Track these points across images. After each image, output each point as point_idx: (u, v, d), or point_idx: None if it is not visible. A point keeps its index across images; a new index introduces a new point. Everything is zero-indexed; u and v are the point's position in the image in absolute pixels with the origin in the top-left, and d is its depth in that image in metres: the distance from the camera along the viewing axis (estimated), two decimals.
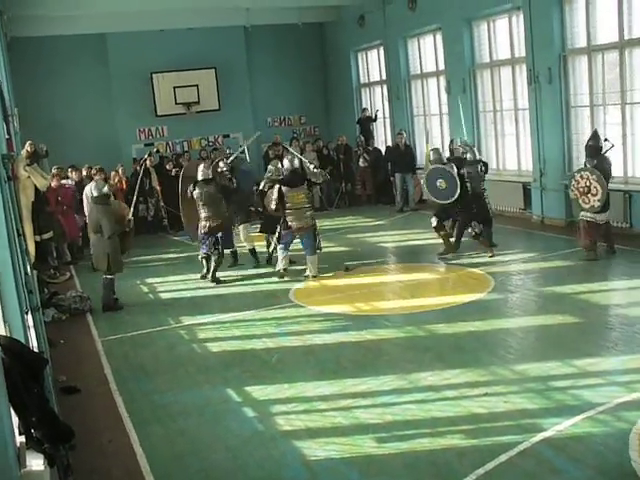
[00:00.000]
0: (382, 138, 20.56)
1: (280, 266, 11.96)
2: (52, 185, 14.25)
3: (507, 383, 6.88)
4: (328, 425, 6.35)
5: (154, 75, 20.12)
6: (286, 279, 11.75)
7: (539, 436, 5.70)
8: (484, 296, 9.88)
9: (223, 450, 6.06)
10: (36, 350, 5.38)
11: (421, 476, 5.34)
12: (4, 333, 4.51)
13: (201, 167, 12.14)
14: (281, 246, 11.97)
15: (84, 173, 16.01)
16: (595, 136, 11.25)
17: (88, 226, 11.64)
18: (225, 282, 11.95)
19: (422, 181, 11.35)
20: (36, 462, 3.93)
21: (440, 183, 11.93)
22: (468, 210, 12.06)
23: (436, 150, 12.82)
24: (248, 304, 10.61)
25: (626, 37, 12.20)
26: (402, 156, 17.73)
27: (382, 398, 6.80)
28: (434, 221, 12.40)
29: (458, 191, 11.74)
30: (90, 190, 11.64)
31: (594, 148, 11.08)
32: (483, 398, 6.55)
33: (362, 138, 19.41)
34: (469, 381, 6.99)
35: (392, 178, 18.13)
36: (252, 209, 13.07)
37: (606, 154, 11.23)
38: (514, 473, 5.23)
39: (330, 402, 6.83)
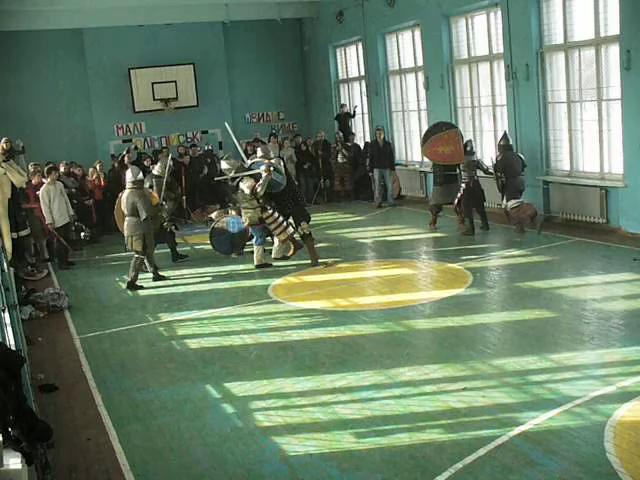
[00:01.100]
0: (361, 134, 20.58)
1: (256, 260, 12.32)
2: (33, 181, 14.20)
3: (485, 378, 6.94)
4: (307, 421, 6.37)
5: (132, 71, 20.04)
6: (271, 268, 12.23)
7: (517, 430, 5.75)
8: (462, 291, 9.94)
9: (202, 446, 6.06)
10: (13, 348, 5.35)
11: (400, 471, 5.37)
12: None
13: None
14: (253, 241, 12.45)
15: (62, 170, 15.87)
16: (505, 137, 13.44)
17: (118, 210, 12.49)
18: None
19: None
20: (14, 461, 3.92)
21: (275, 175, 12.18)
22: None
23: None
24: (226, 300, 10.61)
25: (602, 34, 12.30)
26: (381, 152, 17.76)
27: (361, 393, 6.82)
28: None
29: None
30: (127, 176, 12.20)
31: (504, 147, 13.31)
32: (462, 393, 6.59)
33: (341, 134, 19.43)
34: (448, 376, 7.03)
35: (371, 174, 18.15)
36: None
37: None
38: (492, 467, 5.27)
39: (309, 398, 6.85)
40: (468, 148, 13.61)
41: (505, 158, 13.24)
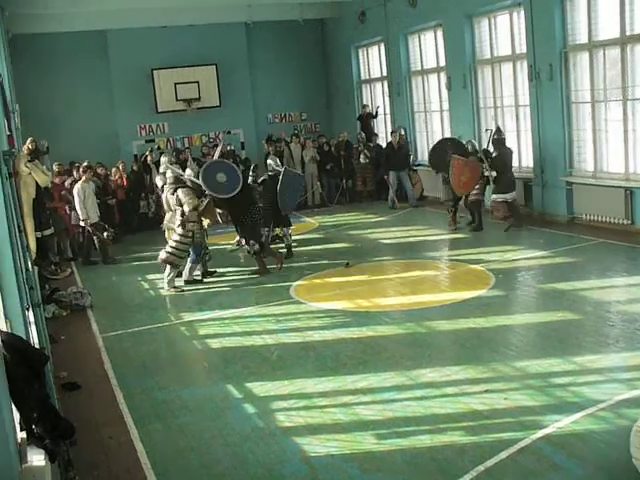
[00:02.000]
0: (383, 135, 20.52)
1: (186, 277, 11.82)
2: (56, 181, 14.35)
3: (507, 380, 6.88)
4: (328, 421, 6.35)
5: (155, 71, 20.10)
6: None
7: (539, 433, 5.70)
8: (484, 293, 9.88)
9: (223, 446, 6.07)
10: (37, 346, 5.38)
11: (421, 473, 5.34)
12: (5, 329, 4.51)
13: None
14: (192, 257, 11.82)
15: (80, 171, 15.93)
16: (499, 130, 13.82)
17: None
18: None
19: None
20: (37, 458, 3.94)
21: (220, 177, 11.85)
22: None
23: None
24: (248, 300, 10.62)
25: (627, 33, 12.17)
26: (396, 153, 17.76)
27: (382, 395, 6.80)
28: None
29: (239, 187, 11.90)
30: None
31: (498, 140, 13.69)
32: (484, 395, 6.55)
33: (363, 134, 19.39)
34: (469, 378, 6.99)
35: (386, 176, 18.10)
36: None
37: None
38: (514, 470, 5.23)
39: (330, 398, 6.83)
40: (470, 149, 14.06)
41: (500, 154, 13.63)
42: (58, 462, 4.93)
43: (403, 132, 18.50)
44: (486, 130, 14.73)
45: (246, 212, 11.90)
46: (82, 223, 14.21)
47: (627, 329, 7.96)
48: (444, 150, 14.21)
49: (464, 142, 14.59)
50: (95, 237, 14.28)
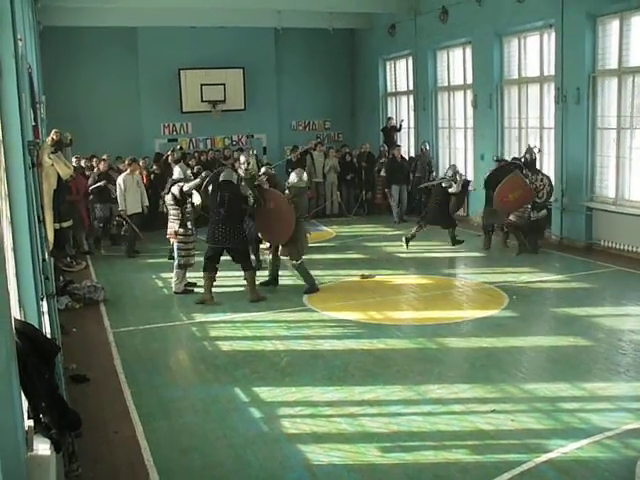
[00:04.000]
0: (405, 148, 20.51)
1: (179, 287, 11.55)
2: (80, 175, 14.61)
3: (515, 401, 6.86)
4: (333, 431, 6.35)
5: (182, 71, 20.22)
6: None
7: (544, 457, 5.67)
8: (497, 313, 9.84)
9: (227, 448, 6.07)
10: (49, 336, 5.41)
11: None
12: (19, 317, 4.54)
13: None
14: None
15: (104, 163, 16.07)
16: (530, 150, 13.86)
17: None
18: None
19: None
20: (43, 447, 3.95)
21: None
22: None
23: None
24: (261, 305, 10.62)
25: None
26: (400, 168, 17.80)
27: (389, 408, 6.79)
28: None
29: None
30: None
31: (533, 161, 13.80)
32: (490, 415, 6.53)
33: (385, 147, 19.41)
34: (477, 397, 6.97)
35: (387, 189, 18.12)
36: None
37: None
38: None
39: (336, 408, 6.83)
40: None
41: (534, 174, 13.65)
42: (62, 453, 4.95)
43: (428, 147, 18.51)
44: (539, 150, 14.48)
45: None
46: (122, 213, 14.69)
47: (639, 358, 7.91)
48: (509, 170, 13.67)
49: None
50: (129, 227, 14.64)
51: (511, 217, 13.51)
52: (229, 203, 10.65)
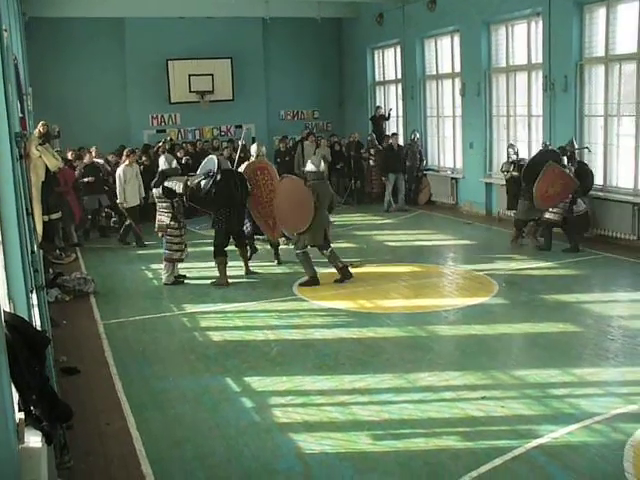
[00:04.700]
0: None
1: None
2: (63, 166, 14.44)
3: (505, 388, 6.90)
4: (324, 420, 6.37)
5: (170, 62, 20.13)
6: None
7: (534, 442, 5.71)
8: (487, 300, 9.88)
9: (219, 438, 6.09)
10: (39, 329, 5.40)
11: (415, 475, 5.35)
12: (9, 310, 4.53)
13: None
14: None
15: (93, 155, 15.98)
16: (571, 143, 12.81)
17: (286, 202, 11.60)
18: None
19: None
20: (34, 439, 3.95)
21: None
22: None
23: None
24: (251, 295, 10.64)
25: None
26: (396, 156, 17.81)
27: (380, 396, 6.82)
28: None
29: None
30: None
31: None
32: (481, 401, 6.56)
33: (373, 136, 19.42)
34: (468, 384, 7.00)
35: (384, 178, 18.11)
36: None
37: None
38: (507, 477, 5.24)
39: (327, 397, 6.85)
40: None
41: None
42: (54, 445, 4.95)
43: (418, 136, 18.53)
44: (589, 151, 13.40)
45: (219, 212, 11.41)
46: (120, 206, 14.66)
47: (627, 344, 7.97)
48: (544, 161, 12.53)
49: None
50: (127, 219, 14.72)
51: (547, 215, 12.58)
52: (239, 189, 11.27)
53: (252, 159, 12.38)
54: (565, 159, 12.59)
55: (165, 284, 11.43)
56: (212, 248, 11.38)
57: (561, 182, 12.31)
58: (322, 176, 11.22)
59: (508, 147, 14.05)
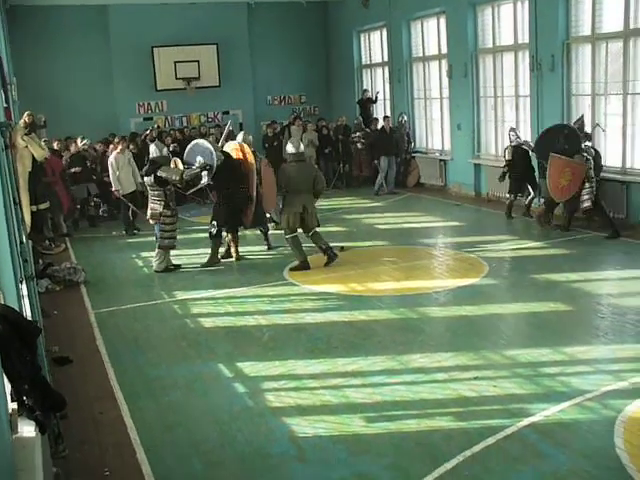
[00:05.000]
0: (382, 120, 20.46)
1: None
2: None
3: (497, 368, 6.93)
4: (317, 403, 6.40)
5: (155, 49, 19.99)
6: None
7: (526, 421, 5.75)
8: (478, 281, 9.91)
9: (212, 424, 6.10)
10: (30, 319, 5.39)
11: (408, 456, 5.39)
12: None
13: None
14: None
15: (80, 144, 15.90)
16: (581, 120, 12.52)
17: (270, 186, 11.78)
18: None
19: None
20: (27, 429, 3.96)
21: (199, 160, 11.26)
22: None
23: None
24: (242, 281, 10.64)
25: (631, 26, 12.15)
26: (389, 139, 17.77)
27: (372, 378, 6.84)
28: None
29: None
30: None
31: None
32: (473, 382, 6.60)
33: (360, 119, 19.39)
34: (459, 364, 7.04)
35: (376, 161, 18.06)
36: None
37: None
38: (500, 456, 5.28)
39: (320, 380, 6.88)
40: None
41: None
42: (48, 435, 4.95)
43: (405, 118, 18.50)
44: (603, 130, 12.88)
45: (221, 194, 11.55)
46: (116, 194, 14.60)
47: (617, 321, 8.02)
48: (555, 139, 12.23)
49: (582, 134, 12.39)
50: (129, 207, 14.63)
51: (585, 204, 11.99)
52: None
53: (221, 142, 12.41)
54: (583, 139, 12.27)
55: (156, 271, 11.40)
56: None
57: (568, 170, 11.98)
58: (301, 157, 11.09)
59: (510, 131, 13.86)
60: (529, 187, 13.59)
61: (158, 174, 11.00)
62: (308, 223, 11.05)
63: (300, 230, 11.07)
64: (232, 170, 11.33)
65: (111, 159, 14.58)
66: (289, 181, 10.82)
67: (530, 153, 13.32)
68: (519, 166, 13.36)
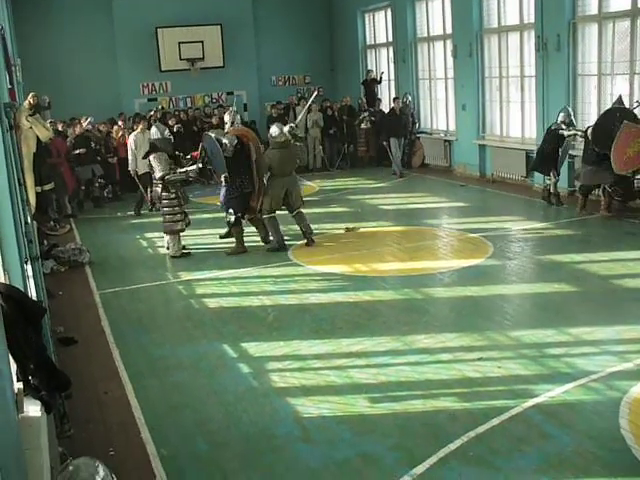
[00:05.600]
0: (386, 101, 20.37)
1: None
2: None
3: (502, 348, 6.93)
4: (322, 383, 6.41)
5: (159, 30, 19.92)
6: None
7: (531, 402, 5.75)
8: (483, 262, 9.90)
9: (217, 405, 6.12)
10: (35, 299, 5.39)
11: (413, 437, 5.40)
12: (4, 281, 4.52)
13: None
14: None
15: (84, 125, 15.85)
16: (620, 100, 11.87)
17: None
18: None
19: None
20: (33, 408, 3.97)
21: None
22: None
23: None
24: (246, 261, 10.64)
25: (639, 5, 12.03)
26: (398, 120, 17.67)
27: (377, 359, 6.84)
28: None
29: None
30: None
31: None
32: (477, 362, 6.59)
33: (364, 100, 19.31)
34: (464, 345, 7.03)
35: (385, 142, 17.94)
36: None
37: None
38: (505, 437, 5.29)
39: (325, 361, 6.88)
40: None
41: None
42: (53, 415, 4.97)
43: (410, 99, 18.41)
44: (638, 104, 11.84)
45: (235, 180, 11.16)
46: (132, 173, 14.52)
47: (622, 303, 8.00)
48: (611, 122, 11.47)
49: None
50: (146, 188, 14.35)
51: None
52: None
53: (227, 128, 12.25)
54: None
55: (173, 257, 11.10)
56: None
57: (639, 140, 11.30)
58: (284, 145, 11.04)
59: (560, 111, 12.75)
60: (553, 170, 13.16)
61: (166, 179, 10.88)
62: (292, 203, 11.16)
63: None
64: (245, 157, 11.11)
65: (130, 139, 14.53)
66: (272, 165, 10.93)
67: (565, 135, 12.55)
68: (551, 145, 12.71)
